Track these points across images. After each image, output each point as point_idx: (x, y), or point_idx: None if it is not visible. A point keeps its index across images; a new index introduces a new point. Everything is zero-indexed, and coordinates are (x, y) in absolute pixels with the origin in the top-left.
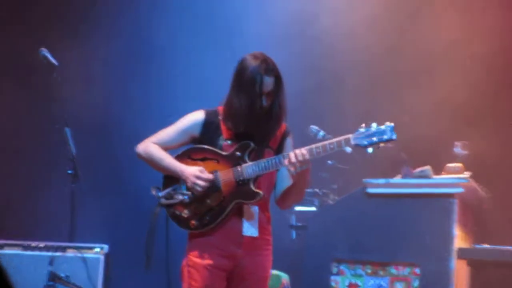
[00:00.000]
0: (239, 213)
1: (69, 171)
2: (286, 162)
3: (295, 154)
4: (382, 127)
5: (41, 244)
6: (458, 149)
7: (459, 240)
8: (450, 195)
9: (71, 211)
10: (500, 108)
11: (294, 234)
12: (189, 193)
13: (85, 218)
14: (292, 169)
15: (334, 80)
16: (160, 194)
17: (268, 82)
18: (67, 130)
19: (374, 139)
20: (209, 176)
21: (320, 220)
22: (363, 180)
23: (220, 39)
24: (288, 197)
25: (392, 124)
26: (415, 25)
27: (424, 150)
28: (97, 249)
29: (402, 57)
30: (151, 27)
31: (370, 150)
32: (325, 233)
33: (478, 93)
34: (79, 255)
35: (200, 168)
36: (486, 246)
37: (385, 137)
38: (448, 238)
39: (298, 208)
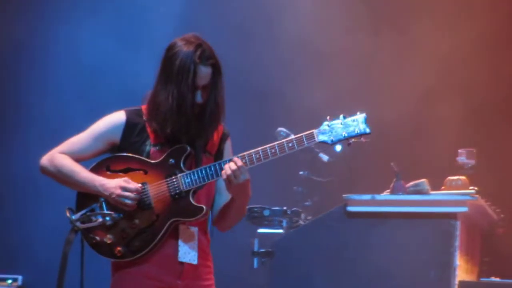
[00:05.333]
0: (175, 235)
1: None
2: (223, 172)
3: (229, 163)
4: (352, 118)
5: None
6: (463, 158)
7: (462, 272)
8: (451, 216)
9: None
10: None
11: (256, 262)
12: (111, 213)
13: None
14: (227, 182)
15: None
16: (74, 216)
17: (204, 73)
18: None
19: (344, 133)
20: (138, 186)
21: (290, 245)
22: (343, 196)
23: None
24: (227, 216)
25: (364, 114)
26: None
27: (420, 160)
28: (9, 281)
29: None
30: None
31: (338, 147)
32: (295, 262)
33: (488, 94)
34: None
35: (125, 178)
36: (496, 279)
37: (357, 130)
38: (447, 269)
39: (261, 230)
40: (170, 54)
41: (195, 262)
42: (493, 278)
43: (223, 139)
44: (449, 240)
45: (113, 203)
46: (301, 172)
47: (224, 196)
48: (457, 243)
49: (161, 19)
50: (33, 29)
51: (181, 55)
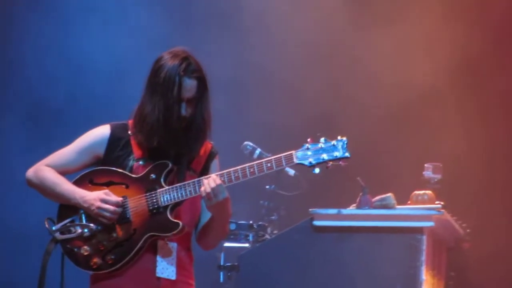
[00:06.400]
0: (153, 250)
1: None
2: (202, 189)
3: (208, 180)
4: (333, 142)
5: None
6: (429, 172)
7: (428, 286)
8: (417, 230)
9: None
10: (479, 125)
11: (222, 276)
12: (91, 225)
13: None
14: (206, 199)
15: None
16: (54, 227)
17: (189, 85)
18: None
19: (323, 156)
20: (118, 199)
21: (255, 259)
22: (310, 210)
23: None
24: (208, 234)
25: (345, 138)
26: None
27: (386, 174)
28: None
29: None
30: None
31: (317, 170)
32: (261, 276)
33: (454, 109)
34: None
35: (106, 190)
36: None
37: (336, 154)
38: (414, 284)
39: (227, 244)
40: (156, 66)
41: (173, 277)
42: None
43: (210, 157)
44: (416, 255)
45: (93, 215)
46: (267, 186)
47: (207, 214)
48: (423, 257)
49: None
50: None
51: (166, 67)
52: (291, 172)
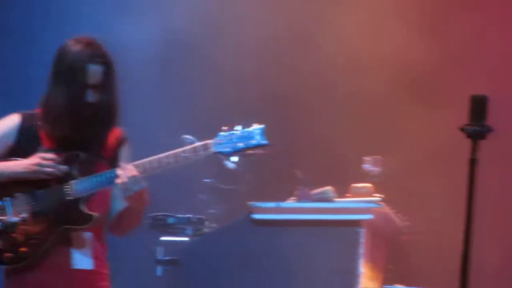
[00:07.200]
0: (67, 242)
1: None
2: (118, 181)
3: (125, 171)
4: (249, 129)
5: None
6: (369, 165)
7: (366, 279)
8: (356, 223)
9: None
10: (417, 120)
11: (160, 270)
12: (3, 218)
13: None
14: (124, 190)
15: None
16: None
17: (94, 71)
18: None
19: (240, 144)
20: (55, 156)
21: (195, 252)
22: (248, 203)
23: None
24: (123, 222)
25: (262, 125)
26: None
27: (325, 167)
28: None
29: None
30: None
31: (234, 158)
32: (201, 269)
33: (391, 100)
34: None
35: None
36: (399, 287)
37: (253, 142)
38: (351, 276)
39: (165, 238)
40: (60, 53)
41: (90, 267)
42: (397, 285)
43: (119, 144)
44: (354, 247)
45: (32, 174)
46: (206, 180)
47: (120, 203)
48: (362, 250)
49: None
50: None
51: (70, 54)
52: (231, 165)
